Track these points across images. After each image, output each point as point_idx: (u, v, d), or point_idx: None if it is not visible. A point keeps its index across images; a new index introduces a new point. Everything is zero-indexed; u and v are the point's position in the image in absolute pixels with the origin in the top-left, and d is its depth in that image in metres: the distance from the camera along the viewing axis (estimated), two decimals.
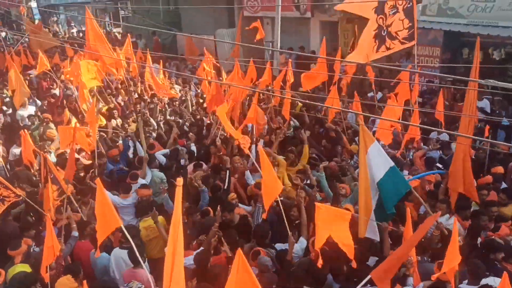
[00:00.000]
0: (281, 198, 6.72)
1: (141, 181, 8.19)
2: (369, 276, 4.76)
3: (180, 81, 15.84)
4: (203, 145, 10.11)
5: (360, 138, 6.15)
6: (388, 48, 9.30)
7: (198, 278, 5.45)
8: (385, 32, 9.16)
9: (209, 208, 7.09)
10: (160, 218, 6.88)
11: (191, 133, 10.48)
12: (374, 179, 5.99)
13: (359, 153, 6.28)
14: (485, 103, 12.13)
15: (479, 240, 6.34)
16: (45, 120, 11.55)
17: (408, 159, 9.51)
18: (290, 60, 13.29)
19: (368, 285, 5.02)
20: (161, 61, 15.99)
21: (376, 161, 6.00)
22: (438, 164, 9.20)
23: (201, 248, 6.20)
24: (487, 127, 9.19)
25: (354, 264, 5.41)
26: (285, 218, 6.22)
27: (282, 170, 8.48)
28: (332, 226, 5.28)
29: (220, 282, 5.35)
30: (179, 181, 3.91)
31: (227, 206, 7.01)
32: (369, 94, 13.41)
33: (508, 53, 13.54)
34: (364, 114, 10.29)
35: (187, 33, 20.58)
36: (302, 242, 6.36)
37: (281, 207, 6.36)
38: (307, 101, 11.42)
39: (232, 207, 7.14)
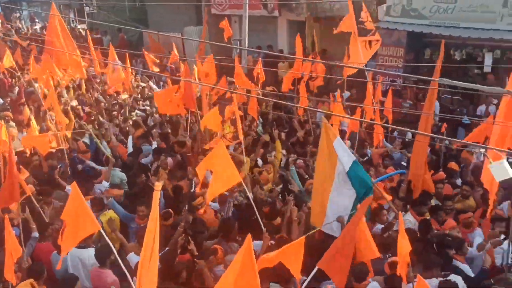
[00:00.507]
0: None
1: (104, 184, 8.07)
2: (316, 268, 4.80)
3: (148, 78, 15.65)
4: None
5: (322, 133, 6.35)
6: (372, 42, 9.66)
7: (162, 277, 5.41)
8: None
9: (170, 210, 6.97)
10: (114, 216, 6.87)
11: (154, 130, 10.37)
12: (345, 168, 6.14)
13: (319, 147, 6.46)
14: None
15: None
16: (6, 118, 11.20)
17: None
18: (259, 59, 13.37)
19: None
20: (127, 58, 15.72)
21: (343, 154, 6.17)
22: (403, 163, 9.47)
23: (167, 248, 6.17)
24: (444, 124, 9.51)
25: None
26: (258, 215, 6.24)
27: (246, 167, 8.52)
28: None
29: (183, 279, 5.47)
30: (157, 185, 3.87)
31: (190, 207, 7.03)
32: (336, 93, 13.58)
33: (469, 53, 13.96)
34: (330, 113, 10.51)
35: (154, 30, 20.35)
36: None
37: (252, 203, 6.39)
38: (278, 101, 11.48)
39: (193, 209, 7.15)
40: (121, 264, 4.86)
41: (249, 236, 4.11)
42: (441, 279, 5.32)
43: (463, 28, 13.24)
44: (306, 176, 8.47)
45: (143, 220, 6.74)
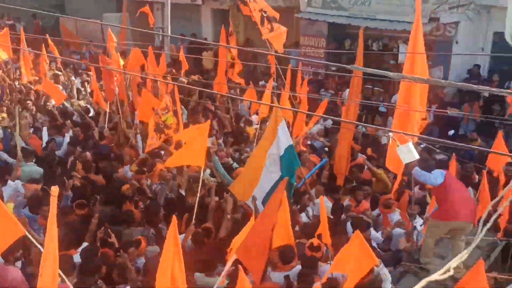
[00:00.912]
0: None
1: (10, 184, 7.47)
2: (234, 256, 4.72)
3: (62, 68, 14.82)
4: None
5: (272, 116, 6.86)
6: (271, 30, 9.70)
7: (82, 272, 5.21)
8: (266, 14, 9.56)
9: (83, 201, 6.73)
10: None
11: (68, 121, 9.91)
12: (279, 152, 6.64)
13: (266, 129, 6.96)
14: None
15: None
16: None
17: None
18: (182, 46, 13.15)
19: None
20: (43, 45, 14.82)
21: (282, 138, 6.68)
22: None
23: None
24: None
25: None
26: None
27: None
28: None
29: (102, 274, 5.28)
30: (54, 191, 3.60)
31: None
32: (260, 83, 13.71)
33: (385, 44, 14.62)
34: (256, 101, 10.59)
35: (72, 16, 19.37)
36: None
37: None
38: (204, 89, 11.37)
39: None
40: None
41: (174, 220, 4.00)
42: None
43: (379, 20, 13.81)
44: (236, 165, 8.52)
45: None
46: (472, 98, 12.09)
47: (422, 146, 8.15)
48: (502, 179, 7.21)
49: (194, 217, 6.45)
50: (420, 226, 6.62)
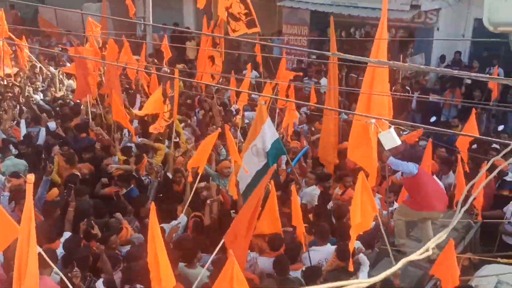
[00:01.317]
0: None
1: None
2: (222, 241, 4.77)
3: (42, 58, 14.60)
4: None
5: (258, 113, 7.17)
6: (234, 30, 9.65)
7: (65, 264, 5.18)
8: (228, 14, 9.52)
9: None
10: None
11: (44, 114, 9.76)
12: (265, 147, 6.92)
13: (252, 125, 7.26)
14: (324, 81, 13.05)
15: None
16: None
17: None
18: (165, 35, 13.03)
19: None
20: (23, 37, 14.55)
21: (268, 135, 6.97)
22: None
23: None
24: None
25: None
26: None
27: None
28: None
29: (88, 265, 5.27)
30: (30, 179, 3.54)
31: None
32: (244, 72, 13.67)
33: (367, 32, 14.66)
34: (240, 90, 10.55)
35: (51, 6, 19.05)
36: (183, 219, 6.40)
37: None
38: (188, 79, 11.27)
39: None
40: None
41: (153, 209, 3.96)
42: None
43: (362, 8, 13.83)
44: (222, 158, 8.51)
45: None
46: (454, 84, 12.22)
47: (405, 133, 8.22)
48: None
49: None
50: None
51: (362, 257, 5.40)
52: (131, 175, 7.34)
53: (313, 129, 9.92)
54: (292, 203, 5.23)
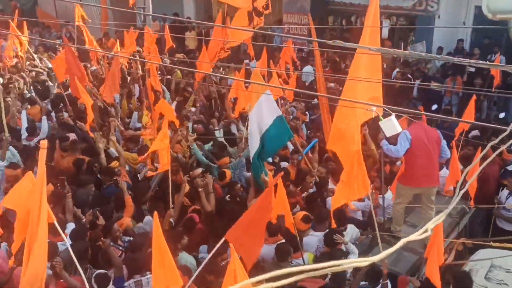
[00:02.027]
0: None
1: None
2: (223, 239, 4.57)
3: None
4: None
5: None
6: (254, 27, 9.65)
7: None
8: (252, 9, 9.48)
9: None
10: None
11: (44, 104, 9.80)
12: (261, 129, 6.49)
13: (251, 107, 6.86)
14: (308, 69, 13.01)
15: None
16: None
17: None
18: (166, 25, 13.00)
19: None
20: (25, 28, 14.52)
21: (266, 109, 6.49)
22: None
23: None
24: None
25: None
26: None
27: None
28: None
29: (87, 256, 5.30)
30: (43, 144, 3.66)
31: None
32: (245, 61, 13.65)
33: None
34: (239, 79, 10.53)
35: None
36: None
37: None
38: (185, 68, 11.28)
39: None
40: None
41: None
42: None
43: None
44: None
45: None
46: (456, 72, 12.19)
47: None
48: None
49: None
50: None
51: (350, 246, 5.46)
52: (114, 172, 7.22)
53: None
54: (278, 191, 5.15)
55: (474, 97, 7.59)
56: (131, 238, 5.85)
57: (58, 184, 6.60)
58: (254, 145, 6.61)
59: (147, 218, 6.32)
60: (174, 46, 12.61)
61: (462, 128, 7.68)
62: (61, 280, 4.82)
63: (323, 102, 7.91)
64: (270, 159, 7.61)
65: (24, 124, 8.78)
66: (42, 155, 3.60)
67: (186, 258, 5.46)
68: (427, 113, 5.50)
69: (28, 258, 3.46)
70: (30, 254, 3.46)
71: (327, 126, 8.06)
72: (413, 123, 5.75)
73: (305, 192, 6.95)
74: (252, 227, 4.81)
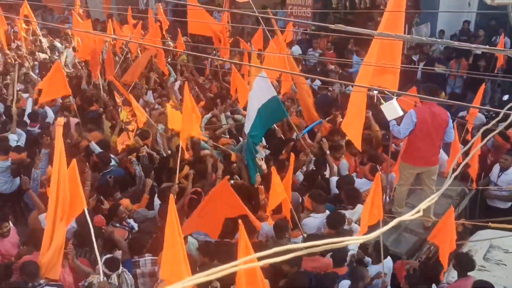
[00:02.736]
0: None
1: (12, 137, 7.73)
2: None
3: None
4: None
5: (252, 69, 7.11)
6: None
7: (79, 240, 5.34)
8: None
9: None
10: None
11: None
12: (256, 107, 6.80)
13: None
14: (296, 48, 12.85)
15: None
16: None
17: None
18: (167, 8, 12.95)
19: None
20: (30, 11, 14.46)
21: (261, 90, 6.85)
22: None
23: None
24: None
25: None
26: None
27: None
28: None
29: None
30: (60, 120, 4.07)
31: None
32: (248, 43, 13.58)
33: (373, 1, 14.45)
34: (245, 63, 10.52)
35: None
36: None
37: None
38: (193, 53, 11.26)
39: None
40: None
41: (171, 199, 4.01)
42: None
43: None
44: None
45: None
46: (460, 54, 12.10)
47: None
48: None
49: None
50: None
51: (354, 225, 5.55)
52: (109, 159, 7.22)
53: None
54: (272, 180, 5.22)
55: (483, 85, 7.57)
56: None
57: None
58: (250, 118, 6.89)
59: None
60: (169, 24, 12.57)
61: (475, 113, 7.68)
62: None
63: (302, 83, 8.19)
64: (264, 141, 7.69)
65: (28, 109, 8.86)
66: (59, 132, 3.95)
67: (191, 240, 5.56)
68: (429, 97, 5.46)
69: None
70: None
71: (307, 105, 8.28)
72: (423, 103, 5.78)
73: (299, 170, 7.00)
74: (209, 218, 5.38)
